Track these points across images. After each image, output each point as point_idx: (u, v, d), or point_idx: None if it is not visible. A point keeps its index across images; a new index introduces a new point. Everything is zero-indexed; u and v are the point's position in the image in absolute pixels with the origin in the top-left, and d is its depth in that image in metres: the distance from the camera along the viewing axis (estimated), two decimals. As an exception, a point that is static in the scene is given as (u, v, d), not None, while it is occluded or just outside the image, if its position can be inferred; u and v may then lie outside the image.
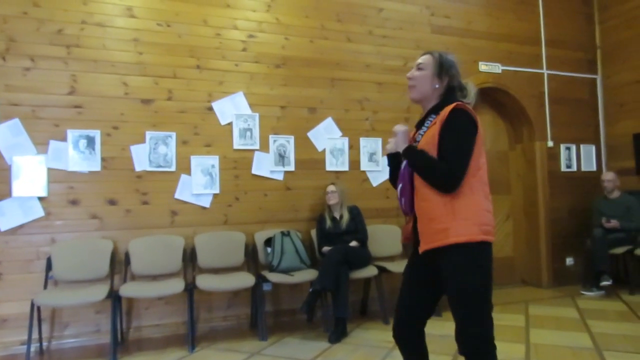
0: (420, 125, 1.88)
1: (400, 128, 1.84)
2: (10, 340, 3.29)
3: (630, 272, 4.77)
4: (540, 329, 3.53)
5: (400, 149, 1.82)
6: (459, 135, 1.69)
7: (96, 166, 3.59)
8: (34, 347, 3.23)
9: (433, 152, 1.71)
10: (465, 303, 1.67)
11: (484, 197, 1.72)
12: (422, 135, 1.80)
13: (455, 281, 1.67)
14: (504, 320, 3.77)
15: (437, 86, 1.83)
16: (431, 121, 1.79)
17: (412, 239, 1.84)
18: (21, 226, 3.38)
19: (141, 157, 3.71)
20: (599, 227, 4.69)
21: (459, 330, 1.68)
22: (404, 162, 1.81)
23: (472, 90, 1.89)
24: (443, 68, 1.83)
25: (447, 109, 1.72)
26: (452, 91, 1.84)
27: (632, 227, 4.61)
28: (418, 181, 1.75)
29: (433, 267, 1.75)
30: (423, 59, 1.87)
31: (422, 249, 1.74)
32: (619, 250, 4.60)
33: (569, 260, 5.21)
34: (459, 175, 1.67)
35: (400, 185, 1.81)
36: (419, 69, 1.86)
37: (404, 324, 1.86)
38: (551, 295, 4.70)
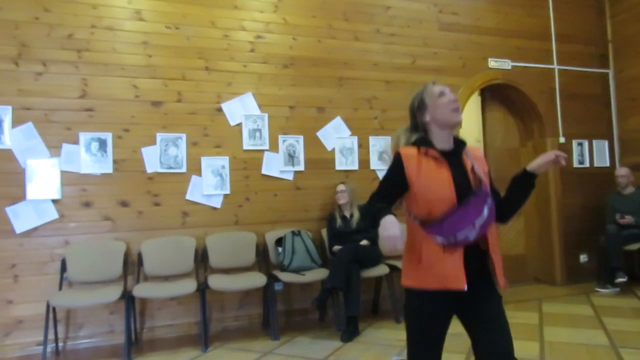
0: (454, 153, 1.77)
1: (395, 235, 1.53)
2: (27, 341, 3.34)
3: (645, 269, 4.71)
4: (555, 326, 3.49)
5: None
6: None
7: (108, 168, 3.63)
8: (49, 347, 3.27)
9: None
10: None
11: None
12: (474, 165, 1.75)
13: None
14: (517, 318, 3.74)
15: None
16: (467, 155, 1.78)
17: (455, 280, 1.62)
18: (35, 228, 3.43)
19: (152, 159, 3.74)
20: (613, 223, 4.63)
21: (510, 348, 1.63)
22: (483, 194, 1.66)
23: None
24: None
25: (478, 149, 1.85)
26: None
27: (647, 223, 4.54)
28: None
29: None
30: (447, 87, 1.83)
31: (505, 283, 1.74)
32: (634, 246, 4.54)
33: (583, 257, 5.15)
34: None
35: (485, 218, 1.62)
36: (452, 91, 1.83)
37: None
38: (565, 292, 4.65)
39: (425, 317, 1.67)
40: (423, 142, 1.75)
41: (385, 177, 1.75)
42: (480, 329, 1.64)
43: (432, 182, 1.66)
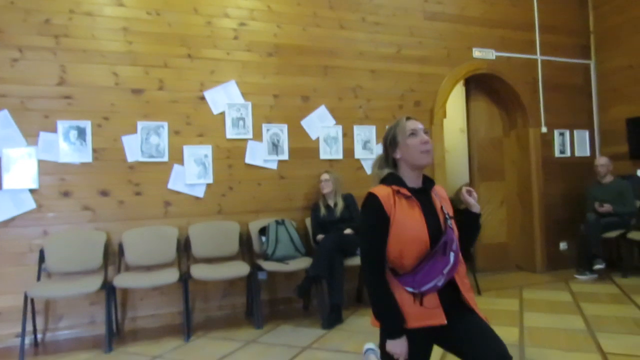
0: (423, 191, 1.80)
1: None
2: (4, 333, 3.29)
3: (623, 256, 4.81)
4: (534, 312, 3.55)
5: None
6: None
7: (87, 157, 3.56)
8: (28, 339, 3.23)
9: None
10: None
11: None
12: (442, 206, 1.79)
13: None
14: (498, 304, 3.80)
15: None
16: (435, 194, 1.82)
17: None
18: (13, 219, 3.36)
19: (133, 148, 3.68)
20: (593, 211, 4.72)
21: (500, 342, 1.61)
22: (448, 237, 1.66)
23: None
24: None
25: (442, 188, 1.89)
26: None
27: (625, 211, 4.63)
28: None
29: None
30: (421, 124, 1.83)
31: (477, 307, 1.73)
32: (612, 234, 4.63)
33: (563, 245, 5.25)
34: None
35: (451, 264, 1.64)
36: (426, 133, 1.80)
37: None
38: (545, 279, 4.73)
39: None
40: (394, 180, 1.77)
41: (372, 226, 1.71)
42: (467, 340, 1.64)
43: (405, 222, 1.67)
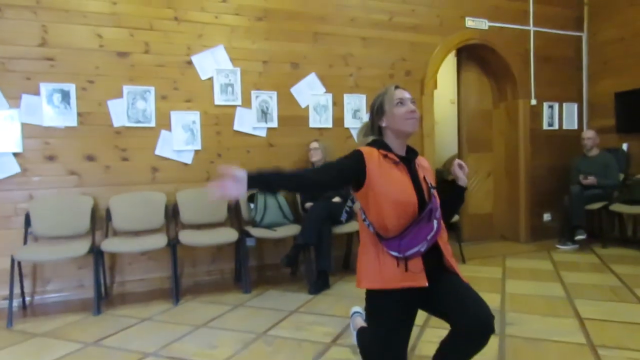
0: (408, 159, 1.80)
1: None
2: (-7, 295, 3.30)
3: (603, 227, 4.93)
4: (516, 280, 3.65)
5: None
6: None
7: (72, 121, 3.50)
8: (16, 302, 3.24)
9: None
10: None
11: None
12: (425, 176, 1.81)
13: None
14: (481, 272, 3.89)
15: None
16: (418, 165, 1.84)
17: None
18: (-3, 182, 3.32)
19: (119, 113, 3.62)
20: (577, 184, 4.79)
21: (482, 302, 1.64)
22: (433, 204, 1.70)
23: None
24: None
25: (425, 159, 1.90)
26: None
27: (609, 184, 4.71)
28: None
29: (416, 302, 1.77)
30: (409, 93, 1.82)
31: (457, 270, 1.77)
32: (595, 206, 4.72)
33: (547, 216, 5.35)
34: None
35: (434, 231, 1.69)
36: (413, 102, 1.81)
37: None
38: (528, 249, 4.84)
39: (390, 315, 1.73)
40: (381, 145, 1.78)
41: (340, 160, 1.73)
42: (451, 301, 1.67)
43: (393, 183, 1.70)
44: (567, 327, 2.61)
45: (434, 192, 1.76)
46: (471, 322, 1.57)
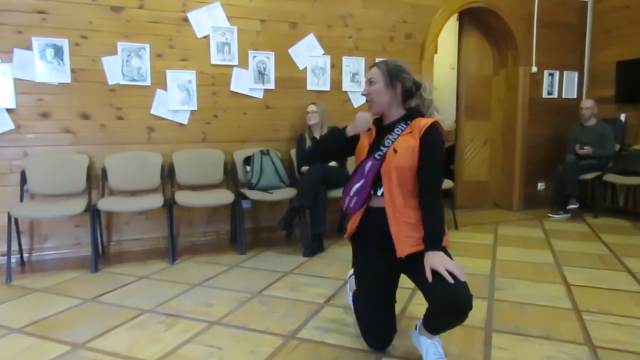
0: (386, 129, 1.92)
1: (363, 115, 1.94)
2: (-10, 251, 3.33)
3: (596, 197, 4.99)
4: (507, 247, 3.72)
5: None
6: (440, 156, 1.82)
7: (66, 78, 3.43)
8: (14, 258, 3.28)
9: (410, 161, 1.78)
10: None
11: None
12: (392, 140, 1.85)
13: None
14: (473, 239, 3.95)
15: (392, 95, 1.91)
16: (402, 129, 1.86)
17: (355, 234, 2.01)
18: (-9, 138, 3.29)
19: (113, 70, 3.55)
20: (572, 153, 4.81)
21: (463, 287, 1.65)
22: (370, 161, 1.86)
23: (428, 86, 1.96)
24: (392, 76, 1.89)
25: (424, 123, 1.80)
26: (410, 93, 1.93)
27: (604, 154, 4.74)
28: (401, 189, 1.80)
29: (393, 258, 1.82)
30: (371, 73, 1.92)
31: (404, 253, 1.77)
32: (589, 176, 4.76)
33: (541, 185, 5.40)
34: (440, 192, 1.83)
35: (359, 184, 1.88)
36: (370, 83, 1.91)
37: (389, 336, 1.96)
38: (520, 217, 4.91)
39: (360, 260, 2.00)
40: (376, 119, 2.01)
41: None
42: (423, 281, 1.68)
43: (358, 148, 2.00)
44: (554, 293, 2.69)
45: (379, 155, 1.85)
46: (445, 304, 1.60)
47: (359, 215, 1.96)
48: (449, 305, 1.59)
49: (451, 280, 1.57)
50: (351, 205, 1.91)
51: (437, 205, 1.75)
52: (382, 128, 1.95)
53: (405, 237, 1.78)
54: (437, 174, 1.79)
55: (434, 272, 1.62)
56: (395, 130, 1.87)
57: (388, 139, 1.86)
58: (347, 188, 1.92)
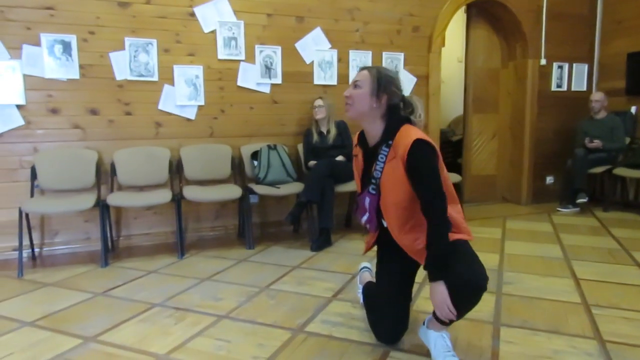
0: (371, 153, 1.86)
1: None
2: (2, 246, 3.38)
3: (606, 191, 4.94)
4: (515, 241, 3.70)
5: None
6: (430, 173, 1.66)
7: (74, 74, 3.45)
8: (25, 253, 3.32)
9: (401, 190, 1.71)
10: None
11: None
12: (380, 171, 1.78)
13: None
14: (482, 233, 3.94)
15: (374, 106, 1.77)
16: (385, 154, 1.76)
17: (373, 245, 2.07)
18: (1, 134, 3.32)
19: (121, 65, 3.56)
20: (582, 147, 4.76)
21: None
22: (367, 197, 1.85)
23: (418, 105, 1.81)
24: (380, 86, 1.76)
25: (404, 145, 1.66)
26: (395, 110, 1.79)
27: (614, 147, 4.69)
28: (403, 218, 1.78)
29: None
30: (360, 76, 1.80)
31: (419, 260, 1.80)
32: (598, 169, 4.71)
33: (549, 179, 5.36)
34: (446, 207, 1.67)
35: (366, 217, 1.90)
36: (355, 86, 1.79)
37: (401, 331, 1.97)
38: (529, 211, 4.88)
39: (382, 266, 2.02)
40: (362, 134, 1.94)
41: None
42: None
43: (356, 168, 1.98)
44: (562, 287, 2.67)
45: (373, 189, 1.82)
46: (460, 283, 1.60)
47: (375, 235, 2.02)
48: (464, 284, 1.59)
49: (446, 321, 1.70)
50: (367, 228, 1.97)
51: (439, 223, 1.64)
52: (368, 151, 1.88)
53: (421, 251, 1.74)
54: (432, 192, 1.65)
55: (453, 258, 1.65)
56: (379, 158, 1.77)
57: (376, 170, 1.78)
58: (357, 214, 1.95)
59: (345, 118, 4.04)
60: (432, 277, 1.64)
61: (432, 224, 1.65)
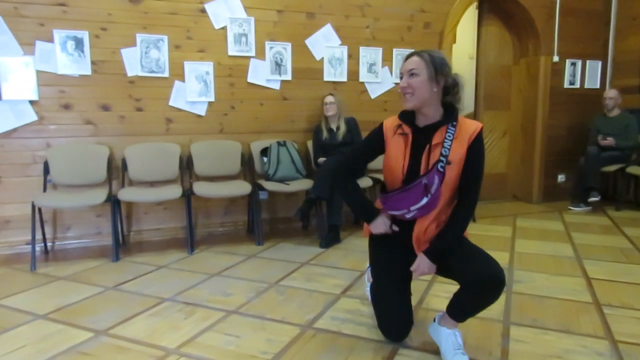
0: (425, 130, 1.79)
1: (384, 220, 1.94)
2: (15, 239, 3.42)
3: (618, 190, 4.88)
4: (526, 239, 3.67)
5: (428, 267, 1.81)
6: (482, 165, 1.78)
7: (87, 70, 3.48)
8: (38, 247, 3.36)
9: (457, 174, 1.73)
10: None
11: None
12: (448, 149, 1.72)
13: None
14: (492, 231, 3.92)
15: (435, 90, 1.76)
16: (453, 133, 1.74)
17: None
18: (15, 130, 3.36)
19: (132, 62, 3.59)
20: (594, 144, 4.71)
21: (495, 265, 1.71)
22: (436, 175, 1.71)
23: (462, 86, 1.83)
24: (437, 69, 1.75)
25: (473, 129, 1.74)
26: (448, 90, 1.80)
27: (627, 145, 4.62)
28: (448, 202, 1.81)
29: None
30: (413, 63, 1.74)
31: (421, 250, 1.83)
32: (611, 168, 4.65)
33: (561, 177, 5.30)
34: (475, 206, 1.84)
35: (425, 201, 1.73)
36: (412, 74, 1.74)
37: (406, 327, 1.95)
38: (540, 210, 4.84)
39: (381, 258, 2.00)
40: (404, 116, 1.85)
41: (364, 142, 1.99)
42: (457, 261, 1.74)
43: (392, 152, 1.84)
44: (574, 286, 2.65)
45: (442, 167, 1.71)
46: (480, 278, 1.62)
47: (404, 223, 1.91)
48: (483, 280, 1.62)
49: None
50: (406, 216, 1.80)
51: (466, 217, 1.79)
52: (418, 129, 1.80)
53: (423, 240, 1.82)
54: (479, 186, 1.76)
55: (463, 256, 1.73)
56: (447, 136, 1.74)
57: (444, 147, 1.72)
58: (403, 203, 1.76)
59: (357, 115, 4.03)
60: (427, 254, 1.77)
61: (456, 217, 1.76)
